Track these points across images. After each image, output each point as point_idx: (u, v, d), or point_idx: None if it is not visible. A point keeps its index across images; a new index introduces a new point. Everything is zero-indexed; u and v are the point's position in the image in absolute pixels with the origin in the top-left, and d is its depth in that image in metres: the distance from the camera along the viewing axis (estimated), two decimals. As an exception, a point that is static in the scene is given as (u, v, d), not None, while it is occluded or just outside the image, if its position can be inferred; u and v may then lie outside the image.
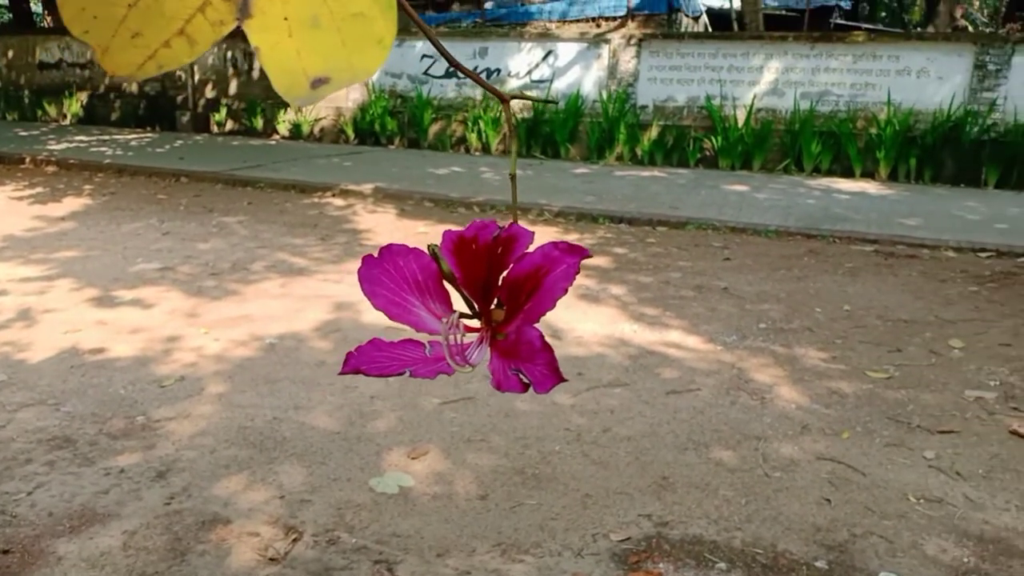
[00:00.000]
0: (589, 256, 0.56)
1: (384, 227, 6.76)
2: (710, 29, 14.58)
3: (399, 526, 2.43)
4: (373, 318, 4.04)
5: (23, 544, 2.30)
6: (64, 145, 11.09)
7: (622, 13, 12.57)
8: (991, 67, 9.16)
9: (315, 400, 3.28)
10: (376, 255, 0.59)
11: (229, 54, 12.92)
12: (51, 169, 9.55)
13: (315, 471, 2.73)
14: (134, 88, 13.82)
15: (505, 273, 0.56)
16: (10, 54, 14.93)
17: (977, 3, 22.33)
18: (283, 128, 12.49)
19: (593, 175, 9.47)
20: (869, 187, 9.06)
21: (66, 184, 8.56)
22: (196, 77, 13.23)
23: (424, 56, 11.58)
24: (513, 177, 0.62)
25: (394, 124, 11.71)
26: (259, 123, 12.63)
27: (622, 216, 7.05)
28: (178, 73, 13.32)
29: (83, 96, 14.21)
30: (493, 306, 0.58)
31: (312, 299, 4.60)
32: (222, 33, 0.40)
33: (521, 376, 0.57)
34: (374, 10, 0.41)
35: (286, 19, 0.40)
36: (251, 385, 3.42)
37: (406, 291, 0.59)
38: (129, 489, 2.60)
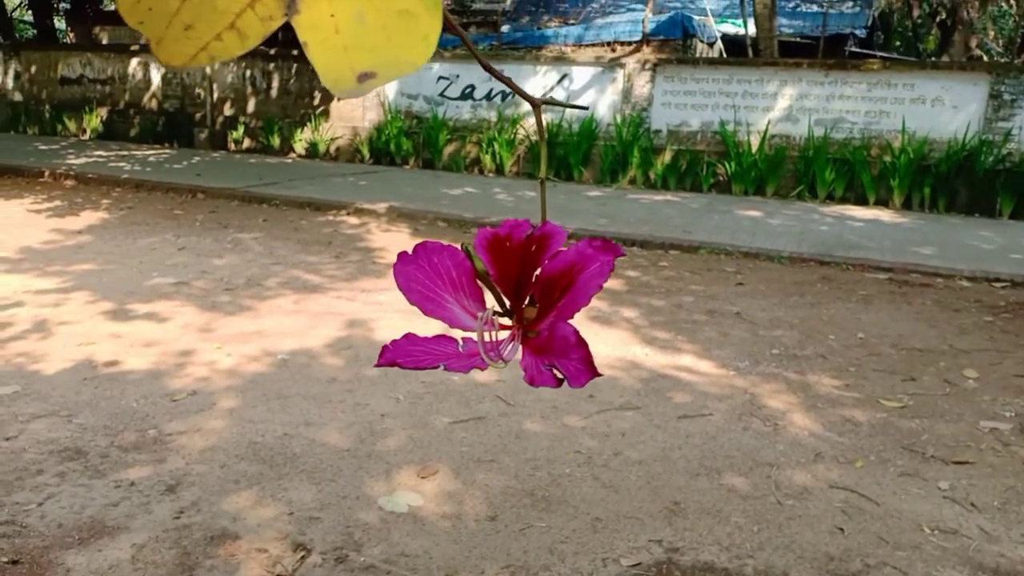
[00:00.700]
0: (623, 255, 0.57)
1: (398, 246, 6.79)
2: (725, 55, 14.66)
3: (408, 546, 2.42)
4: (385, 336, 4.05)
5: (32, 555, 2.30)
6: (83, 160, 11.22)
7: (637, 38, 12.67)
8: (1006, 96, 9.16)
9: (326, 417, 3.28)
10: (411, 252, 0.60)
11: (248, 72, 13.08)
12: (70, 183, 9.66)
13: (325, 488, 2.73)
14: (153, 104, 13.99)
15: (539, 271, 0.57)
16: (33, 69, 15.16)
17: (992, 33, 22.36)
18: (299, 147, 12.60)
19: (606, 198, 9.49)
20: (883, 215, 9.04)
21: (84, 198, 8.65)
22: (215, 95, 13.38)
23: (440, 78, 11.69)
24: (542, 182, 0.63)
25: (409, 144, 11.79)
26: (276, 141, 12.75)
27: (635, 239, 7.06)
28: (197, 91, 13.48)
29: (103, 112, 14.39)
30: (526, 303, 0.59)
31: (325, 316, 4.61)
32: (271, 28, 0.41)
33: (555, 371, 0.57)
34: (419, 7, 0.42)
35: (332, 16, 0.41)
36: (262, 401, 3.42)
37: (440, 287, 0.60)
38: (139, 502, 2.60)
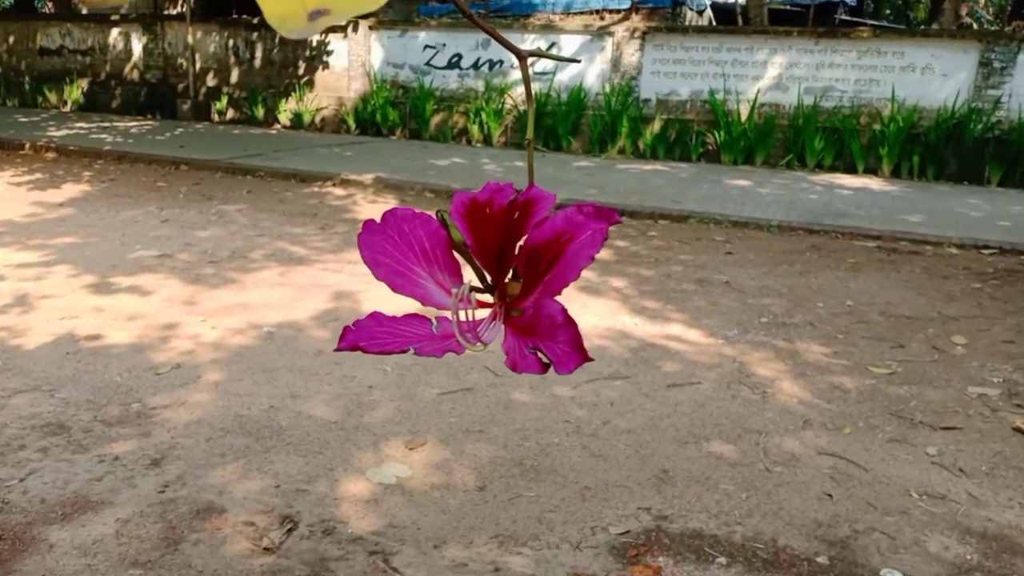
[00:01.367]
0: (619, 221, 0.51)
1: (384, 217, 6.72)
2: (714, 23, 14.51)
3: (396, 517, 2.40)
4: (373, 308, 4.01)
5: (14, 531, 2.27)
6: (64, 132, 11.04)
7: (626, 6, 12.51)
8: (996, 64, 9.11)
9: (312, 389, 3.25)
10: (379, 220, 0.54)
11: (231, 42, 12.86)
12: (51, 155, 9.50)
13: (311, 461, 2.70)
14: (135, 75, 13.75)
15: (523, 240, 0.51)
16: (11, 40, 14.86)
17: (983, 1, 22.24)
18: (284, 117, 12.43)
19: (595, 168, 9.42)
20: (872, 183, 9.02)
21: (65, 170, 8.51)
22: (197, 65, 13.17)
23: (427, 47, 11.52)
24: (529, 142, 0.58)
25: (396, 115, 11.65)
26: (260, 112, 12.57)
27: (624, 209, 7.01)
28: (179, 61, 13.26)
29: (84, 83, 14.14)
30: (508, 278, 0.53)
31: (311, 288, 4.56)
32: None
33: (540, 355, 0.51)
34: None
35: None
36: (248, 374, 3.39)
37: (411, 260, 0.54)
38: (123, 477, 2.57)
